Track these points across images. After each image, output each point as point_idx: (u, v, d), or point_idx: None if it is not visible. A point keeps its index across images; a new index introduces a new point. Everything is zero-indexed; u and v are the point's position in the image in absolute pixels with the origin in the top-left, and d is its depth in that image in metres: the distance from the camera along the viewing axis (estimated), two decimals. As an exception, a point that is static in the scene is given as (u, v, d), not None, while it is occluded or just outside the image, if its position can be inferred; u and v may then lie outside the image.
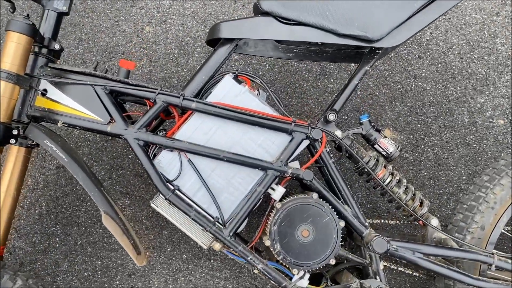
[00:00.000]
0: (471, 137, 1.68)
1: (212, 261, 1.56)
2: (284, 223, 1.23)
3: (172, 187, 1.24)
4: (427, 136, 1.69)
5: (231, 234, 1.23)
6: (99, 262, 1.55)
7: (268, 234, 1.24)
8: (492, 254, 1.23)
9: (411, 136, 1.69)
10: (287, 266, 1.24)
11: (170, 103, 1.25)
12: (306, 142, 1.28)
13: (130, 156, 1.66)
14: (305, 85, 1.73)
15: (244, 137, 1.27)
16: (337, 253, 1.23)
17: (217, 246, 1.30)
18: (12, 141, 1.20)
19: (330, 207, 1.24)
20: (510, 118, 1.69)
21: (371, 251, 1.22)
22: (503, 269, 1.23)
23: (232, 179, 1.26)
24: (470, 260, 1.23)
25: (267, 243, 1.23)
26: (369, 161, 1.32)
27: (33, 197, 1.61)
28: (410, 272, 1.43)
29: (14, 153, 1.37)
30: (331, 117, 1.31)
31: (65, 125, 1.24)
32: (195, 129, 1.27)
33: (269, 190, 1.27)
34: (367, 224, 1.29)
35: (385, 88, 1.73)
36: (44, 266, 1.56)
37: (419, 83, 1.74)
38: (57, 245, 1.57)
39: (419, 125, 1.70)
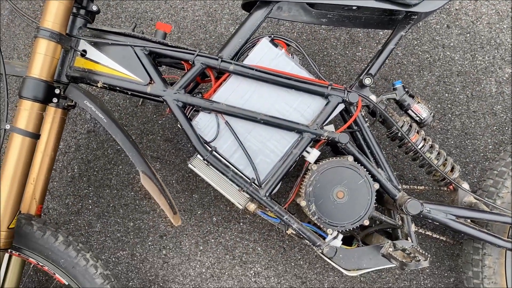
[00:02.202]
0: (498, 107, 1.69)
1: (241, 224, 1.59)
2: (320, 184, 1.26)
3: (209, 148, 1.26)
4: (454, 105, 1.70)
5: (267, 194, 1.26)
6: (131, 224, 1.59)
7: (303, 195, 1.27)
8: (523, 217, 1.26)
9: (439, 105, 1.70)
10: (322, 226, 1.27)
11: (208, 65, 1.26)
12: (341, 106, 1.29)
13: (160, 122, 1.68)
14: (333, 53, 1.74)
15: (279, 100, 1.29)
16: (371, 214, 1.25)
17: (252, 206, 1.33)
18: (55, 100, 1.22)
19: (365, 169, 1.26)
20: (537, 88, 1.69)
21: (405, 213, 1.25)
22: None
23: (268, 142, 1.28)
24: (501, 222, 1.26)
25: (303, 203, 1.26)
26: (402, 125, 1.34)
27: (65, 160, 1.64)
28: (437, 236, 1.46)
29: (51, 114, 1.39)
30: (367, 81, 1.32)
31: (105, 85, 1.26)
32: (232, 92, 1.28)
33: (304, 153, 1.29)
34: (400, 187, 1.31)
35: (413, 57, 1.74)
36: (78, 227, 1.60)
37: (447, 53, 1.74)
38: (90, 207, 1.61)
39: (446, 95, 1.71)
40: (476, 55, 1.73)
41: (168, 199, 1.33)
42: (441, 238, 1.48)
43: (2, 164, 1.16)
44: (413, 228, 1.31)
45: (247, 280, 1.55)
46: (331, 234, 1.27)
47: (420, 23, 1.76)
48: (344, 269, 1.27)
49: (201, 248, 1.57)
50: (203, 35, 1.76)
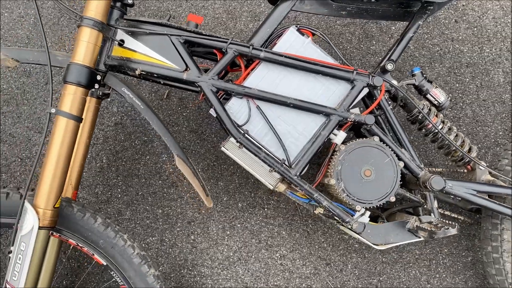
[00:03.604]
0: (506, 95, 1.78)
1: (266, 209, 1.65)
2: (348, 163, 1.32)
3: (242, 131, 1.33)
4: (465, 94, 1.79)
5: (297, 174, 1.33)
6: (160, 211, 1.64)
7: (331, 174, 1.33)
8: (539, 191, 1.34)
9: (450, 95, 1.78)
10: (350, 203, 1.33)
11: (240, 52, 1.34)
12: (366, 90, 1.37)
13: (184, 114, 1.74)
14: (348, 47, 1.82)
15: (307, 85, 1.36)
16: (396, 191, 1.32)
17: (281, 187, 1.40)
18: (96, 86, 1.28)
19: (390, 149, 1.34)
20: (542, 78, 1.79)
21: (428, 189, 1.32)
22: (549, 205, 1.34)
23: (297, 125, 1.35)
24: (518, 197, 1.34)
25: (332, 181, 1.32)
26: (422, 109, 1.41)
27: (94, 151, 1.70)
28: (455, 216, 1.53)
29: (86, 103, 1.46)
30: (389, 66, 1.40)
31: (143, 72, 1.33)
32: (262, 78, 1.36)
33: (331, 136, 1.36)
34: (422, 166, 1.39)
35: (425, 50, 1.83)
36: (108, 214, 1.65)
37: (456, 46, 1.83)
38: (119, 196, 1.66)
39: (457, 85, 1.79)
40: (484, 48, 1.83)
41: (201, 181, 1.39)
42: (459, 217, 1.55)
43: (48, 145, 1.22)
44: (435, 204, 1.38)
45: (273, 263, 1.60)
46: (359, 211, 1.34)
47: (429, 18, 1.85)
48: (372, 243, 1.33)
49: (228, 233, 1.63)
50: (224, 31, 1.84)
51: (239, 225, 1.64)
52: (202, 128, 1.73)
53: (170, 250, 1.61)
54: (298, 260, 1.61)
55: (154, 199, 1.66)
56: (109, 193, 1.66)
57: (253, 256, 1.61)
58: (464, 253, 1.64)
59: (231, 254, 1.61)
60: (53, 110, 1.21)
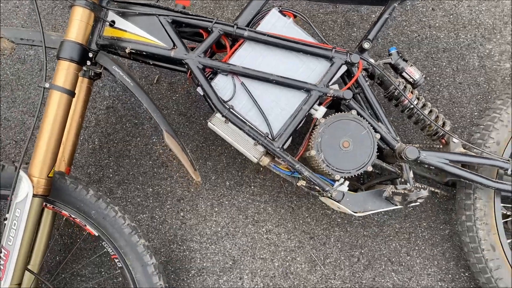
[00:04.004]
0: (481, 78, 1.87)
1: (252, 187, 1.72)
2: (328, 136, 1.40)
3: (227, 106, 1.40)
4: (442, 77, 1.87)
5: (280, 146, 1.40)
6: (151, 189, 1.71)
7: (312, 147, 1.41)
8: (509, 160, 1.42)
9: (428, 78, 1.87)
10: (330, 173, 1.40)
11: (225, 31, 1.41)
12: (344, 68, 1.45)
13: (174, 98, 1.81)
14: (331, 34, 1.91)
15: (289, 63, 1.44)
16: (373, 161, 1.40)
17: (265, 160, 1.47)
18: (88, 62, 1.35)
19: (367, 122, 1.41)
20: (515, 62, 1.88)
21: (404, 159, 1.40)
22: (518, 173, 1.42)
23: (280, 101, 1.43)
24: (489, 165, 1.42)
25: (313, 153, 1.40)
26: (398, 85, 1.50)
27: (86, 134, 1.76)
28: (433, 189, 1.61)
29: (79, 83, 1.53)
30: (366, 45, 1.48)
31: (132, 50, 1.40)
32: (246, 57, 1.43)
33: (312, 110, 1.44)
34: (398, 138, 1.46)
35: (403, 36, 1.91)
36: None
37: (434, 32, 1.92)
38: (111, 175, 1.72)
39: (434, 68, 1.88)
40: (459, 34, 1.92)
41: (188, 156, 1.45)
42: (436, 191, 1.62)
43: (42, 119, 1.28)
44: (411, 174, 1.46)
45: (260, 237, 1.67)
46: (338, 180, 1.41)
47: (408, 7, 1.95)
48: (352, 211, 1.41)
49: (216, 209, 1.69)
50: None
51: (226, 202, 1.70)
52: (191, 111, 1.80)
53: (160, 226, 1.67)
54: (283, 234, 1.67)
55: (145, 179, 1.72)
56: (101, 173, 1.72)
57: (240, 231, 1.67)
58: (442, 227, 1.72)
59: (219, 229, 1.67)
60: (47, 85, 1.28)
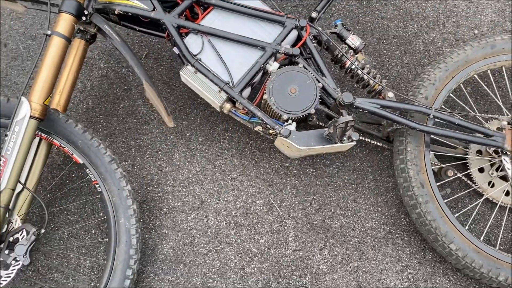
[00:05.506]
0: (425, 60, 2.16)
1: (221, 143, 1.98)
2: (278, 83, 1.67)
3: (196, 57, 1.69)
4: (391, 59, 2.16)
5: (238, 91, 1.68)
6: (133, 142, 1.97)
7: (265, 92, 1.68)
8: (431, 107, 1.67)
9: (379, 59, 2.16)
10: (279, 115, 1.66)
11: (196, -1, 1.74)
12: (295, 32, 1.75)
13: (159, 70, 2.12)
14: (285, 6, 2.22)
15: (249, 27, 1.74)
16: (316, 106, 1.66)
17: (227, 106, 1.74)
18: (83, 18, 1.67)
19: (312, 74, 1.69)
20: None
21: (341, 104, 1.66)
22: (440, 118, 1.67)
23: (240, 56, 1.72)
24: (414, 111, 1.67)
25: (265, 96, 1.67)
26: (341, 49, 1.78)
27: (82, 96, 2.06)
28: (374, 143, 1.86)
29: (77, 44, 1.83)
30: (314, 14, 1.79)
31: (121, 12, 1.72)
32: (214, 20, 1.74)
33: (267, 66, 1.73)
34: (338, 90, 1.73)
35: (359, 25, 2.23)
36: (89, 144, 1.98)
37: (385, 22, 2.24)
38: (100, 130, 2.00)
39: (384, 51, 2.18)
40: (407, 24, 2.23)
41: (163, 102, 1.73)
42: (378, 144, 1.87)
43: (43, 58, 1.58)
44: (348, 117, 1.71)
45: (225, 183, 1.91)
46: (286, 120, 1.67)
47: (364, 2, 2.27)
48: (297, 146, 1.65)
49: (188, 160, 1.95)
50: None
51: (198, 154, 1.96)
52: (173, 81, 2.10)
53: (139, 172, 1.92)
54: (245, 182, 1.91)
55: (129, 133, 1.99)
56: (92, 128, 2.00)
57: (208, 178, 1.92)
58: (386, 179, 1.94)
59: (190, 176, 1.92)
60: (49, 32, 1.59)
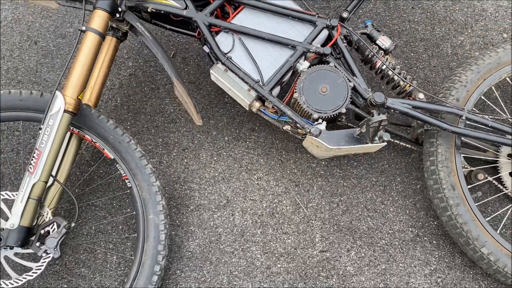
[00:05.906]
0: (453, 63, 2.14)
1: (248, 142, 1.98)
2: (309, 82, 1.67)
3: (227, 56, 1.70)
4: (418, 61, 2.15)
5: (268, 90, 1.68)
6: (161, 140, 1.98)
7: (296, 91, 1.68)
8: (463, 108, 1.65)
9: (406, 61, 2.15)
10: (310, 113, 1.66)
11: (228, -2, 1.75)
12: (326, 32, 1.75)
13: (186, 69, 2.13)
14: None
15: (280, 26, 1.75)
16: (347, 105, 1.65)
17: (256, 105, 1.74)
18: (117, 15, 1.69)
19: (343, 73, 1.69)
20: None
21: (373, 103, 1.65)
22: (472, 120, 1.65)
23: (270, 55, 1.72)
24: (447, 112, 1.65)
25: (296, 95, 1.67)
26: (372, 49, 1.78)
27: (110, 94, 2.08)
28: (404, 144, 1.84)
29: (108, 42, 1.86)
30: (345, 14, 1.79)
31: (153, 10, 1.74)
32: (245, 19, 1.75)
33: (297, 65, 1.73)
34: (369, 90, 1.73)
35: (386, 28, 2.22)
36: (117, 141, 1.99)
37: (413, 25, 2.23)
38: (128, 127, 2.01)
39: (412, 54, 2.17)
40: (435, 27, 2.22)
41: (193, 100, 1.74)
42: (407, 145, 1.85)
43: (78, 53, 1.60)
44: (380, 116, 1.70)
45: (251, 182, 1.90)
46: (316, 119, 1.67)
47: (391, 4, 2.27)
48: (327, 145, 1.64)
49: (215, 158, 1.95)
50: None
51: (224, 153, 1.96)
52: (199, 80, 2.11)
53: (166, 169, 1.93)
54: (272, 181, 1.91)
55: (156, 131, 2.00)
56: (121, 125, 2.02)
57: (234, 177, 1.92)
58: (414, 182, 1.92)
59: (217, 174, 1.92)
60: (83, 28, 1.61)
